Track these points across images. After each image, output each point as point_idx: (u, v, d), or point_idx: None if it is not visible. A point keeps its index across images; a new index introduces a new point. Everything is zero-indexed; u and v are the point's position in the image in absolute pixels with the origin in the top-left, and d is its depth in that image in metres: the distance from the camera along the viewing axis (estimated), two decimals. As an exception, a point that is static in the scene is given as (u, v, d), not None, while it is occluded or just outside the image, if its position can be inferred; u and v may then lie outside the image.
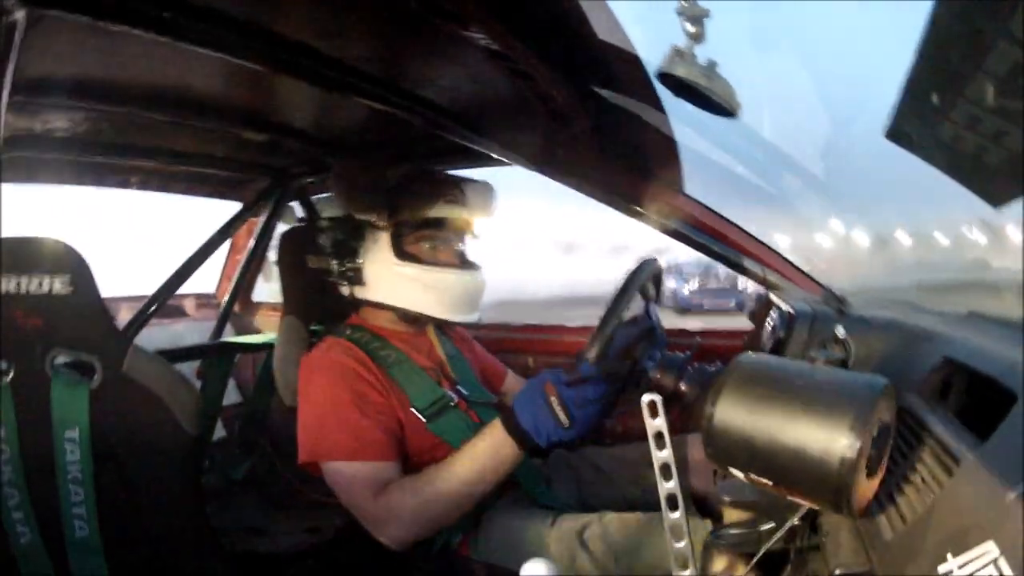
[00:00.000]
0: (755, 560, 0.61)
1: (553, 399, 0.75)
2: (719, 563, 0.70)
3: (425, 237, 0.99)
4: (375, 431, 0.87)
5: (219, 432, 1.74)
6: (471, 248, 1.06)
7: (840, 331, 0.80)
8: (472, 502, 0.83)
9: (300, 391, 0.93)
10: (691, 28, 0.63)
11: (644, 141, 0.96)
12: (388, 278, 0.97)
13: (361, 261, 0.97)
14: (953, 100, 0.56)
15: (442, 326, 1.10)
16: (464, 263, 1.02)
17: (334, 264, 0.99)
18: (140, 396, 0.90)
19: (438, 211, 0.98)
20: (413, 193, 0.98)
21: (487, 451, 0.80)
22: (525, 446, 0.78)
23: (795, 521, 0.57)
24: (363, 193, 0.98)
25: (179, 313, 2.04)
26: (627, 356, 0.76)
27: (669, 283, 12.77)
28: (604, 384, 0.74)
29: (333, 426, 0.87)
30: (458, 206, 0.99)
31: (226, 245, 2.02)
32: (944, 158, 0.66)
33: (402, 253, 0.97)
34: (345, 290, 1.00)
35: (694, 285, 11.76)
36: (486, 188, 1.03)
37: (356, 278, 0.98)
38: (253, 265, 1.83)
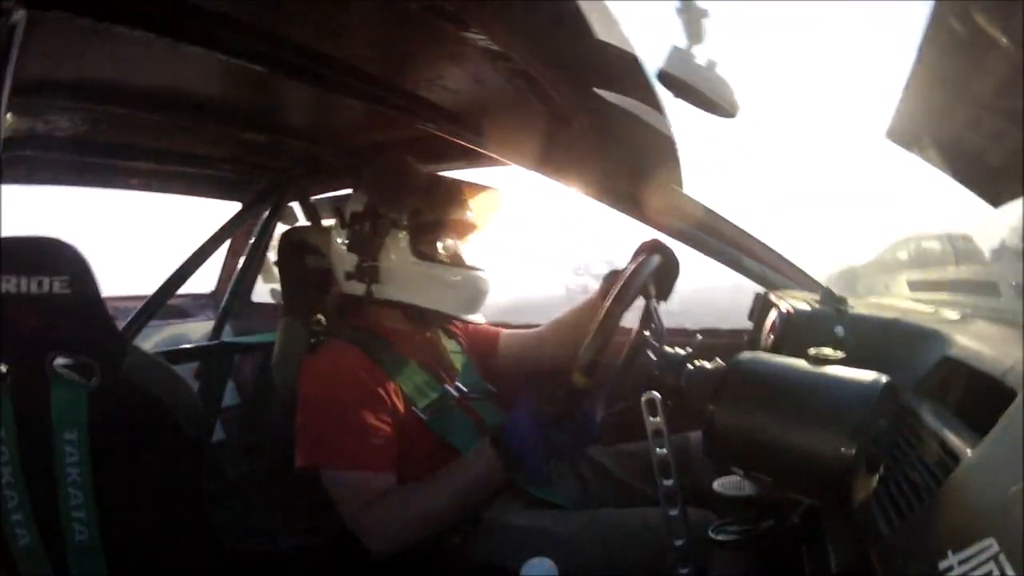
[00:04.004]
0: (755, 557, 0.61)
1: (540, 441, 0.77)
2: (719, 560, 0.70)
3: (442, 238, 1.02)
4: (373, 441, 0.87)
5: (218, 433, 1.73)
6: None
7: (839, 330, 0.80)
8: (456, 519, 0.86)
9: (300, 395, 0.92)
10: (691, 28, 0.63)
11: (644, 141, 0.96)
12: (405, 276, 0.99)
13: (380, 258, 0.99)
14: (953, 100, 0.56)
15: (444, 324, 1.12)
16: (473, 264, 1.05)
17: (352, 260, 0.99)
18: (139, 397, 0.90)
19: (458, 214, 1.03)
20: (436, 195, 1.02)
21: (478, 474, 0.82)
22: (514, 471, 0.80)
23: (795, 518, 0.57)
24: (395, 190, 1.00)
25: (179, 314, 2.03)
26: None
27: (580, 281, 12.91)
28: (593, 422, 0.77)
29: (332, 433, 0.87)
30: (474, 211, 1.05)
31: (225, 245, 2.02)
32: (944, 158, 0.66)
33: (419, 252, 0.99)
34: (359, 288, 1.00)
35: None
36: (497, 194, 1.10)
37: (374, 276, 0.98)
38: (252, 265, 1.83)
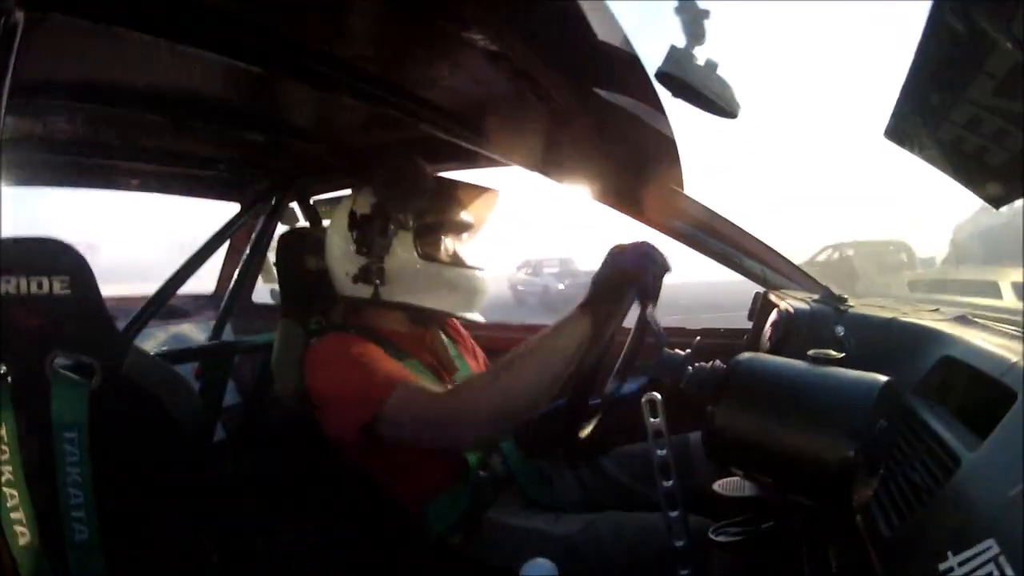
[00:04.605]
0: (755, 558, 0.61)
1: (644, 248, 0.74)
2: (719, 561, 0.70)
3: (445, 238, 1.04)
4: (408, 369, 0.87)
5: (219, 433, 1.73)
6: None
7: (839, 330, 0.80)
8: (550, 388, 0.74)
9: (313, 383, 0.91)
10: (691, 29, 0.63)
11: (644, 141, 0.96)
12: (411, 277, 0.99)
13: (386, 260, 0.99)
14: (953, 100, 0.56)
15: (443, 325, 1.12)
16: (472, 263, 1.06)
17: (358, 262, 0.99)
18: (140, 397, 0.90)
19: (459, 215, 1.05)
20: (439, 196, 1.03)
21: (562, 331, 0.74)
22: (600, 315, 0.72)
23: (795, 519, 0.57)
24: (406, 192, 0.99)
25: (179, 314, 2.04)
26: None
27: (535, 280, 12.35)
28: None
29: (366, 378, 0.84)
30: (473, 211, 1.07)
31: (225, 245, 2.02)
32: (944, 158, 0.66)
33: (423, 253, 1.00)
34: (366, 291, 0.99)
35: (568, 281, 11.23)
36: (496, 194, 1.12)
37: (381, 277, 0.98)
38: (252, 266, 1.83)
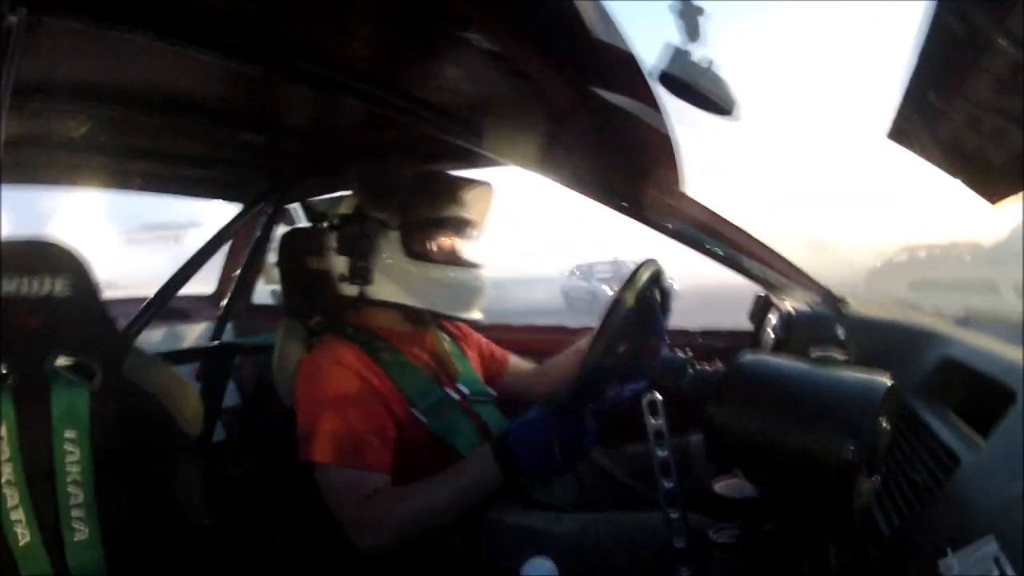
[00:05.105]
0: (755, 558, 0.61)
1: (554, 442, 0.77)
2: (719, 561, 0.70)
3: (435, 236, 1.01)
4: (369, 438, 0.87)
5: (219, 433, 1.73)
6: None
7: (840, 331, 0.80)
8: (451, 520, 0.85)
9: (298, 392, 0.93)
10: (689, 28, 0.63)
11: (644, 141, 0.96)
12: (399, 276, 0.98)
13: (371, 260, 0.98)
14: (952, 99, 0.56)
15: (442, 324, 1.11)
16: (468, 262, 1.04)
17: (344, 263, 0.99)
18: (140, 398, 0.90)
19: (450, 211, 1.02)
20: (426, 193, 1.02)
21: (474, 476, 0.82)
22: (512, 476, 0.80)
23: (795, 520, 0.57)
24: (382, 191, 0.99)
25: (180, 315, 2.03)
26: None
27: (585, 285, 11.83)
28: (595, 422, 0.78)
29: (327, 430, 0.87)
30: (467, 207, 1.04)
31: (226, 247, 2.02)
32: (944, 157, 0.66)
33: (411, 252, 0.99)
34: (353, 290, 1.00)
35: (617, 286, 10.96)
36: (489, 189, 1.08)
37: (366, 277, 0.98)
38: (253, 267, 1.83)
